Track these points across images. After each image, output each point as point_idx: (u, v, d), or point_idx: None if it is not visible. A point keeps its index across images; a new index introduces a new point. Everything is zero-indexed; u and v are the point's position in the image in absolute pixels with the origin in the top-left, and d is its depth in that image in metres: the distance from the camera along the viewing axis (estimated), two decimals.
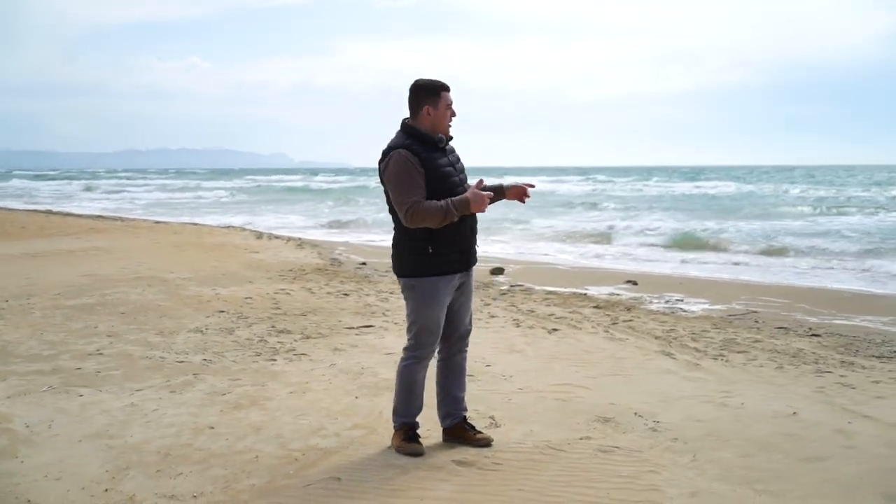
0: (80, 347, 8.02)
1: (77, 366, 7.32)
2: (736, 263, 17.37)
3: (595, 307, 10.84)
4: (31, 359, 7.56)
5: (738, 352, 8.03)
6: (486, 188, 5.02)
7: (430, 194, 4.76)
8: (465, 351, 5.41)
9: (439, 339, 5.12)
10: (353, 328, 9.18)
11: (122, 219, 29.88)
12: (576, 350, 8.07)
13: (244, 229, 24.89)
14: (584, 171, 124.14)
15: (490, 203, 4.83)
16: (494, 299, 11.52)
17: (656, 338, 8.68)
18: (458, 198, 4.75)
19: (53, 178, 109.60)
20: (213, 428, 5.57)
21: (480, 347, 8.09)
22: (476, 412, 5.90)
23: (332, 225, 29.22)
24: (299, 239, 21.49)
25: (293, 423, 5.70)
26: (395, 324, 9.43)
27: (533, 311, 10.38)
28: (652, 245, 21.01)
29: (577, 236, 23.60)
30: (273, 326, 9.17)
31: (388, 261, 14.90)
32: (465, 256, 5.02)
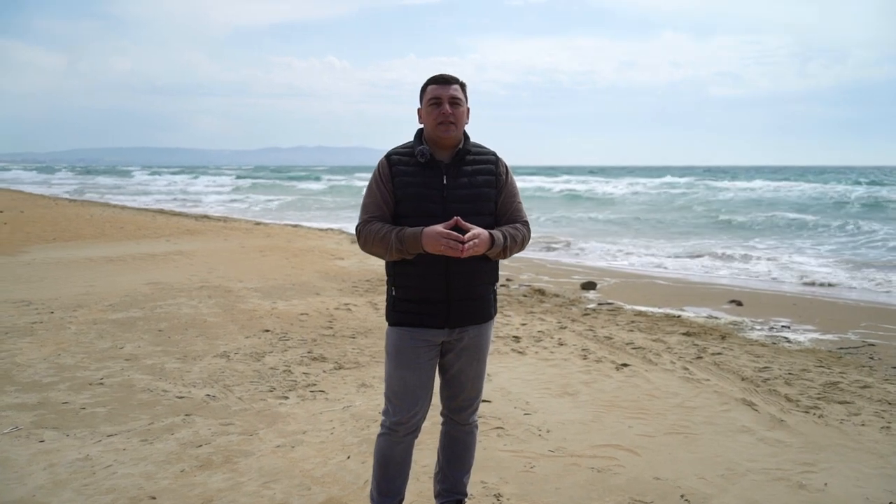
0: (86, 375, 7.26)
1: (65, 399, 6.53)
2: (873, 280, 14.88)
3: (684, 334, 9.50)
4: (26, 388, 6.83)
5: (839, 402, 6.64)
6: (469, 232, 3.60)
7: (402, 217, 3.74)
8: (470, 426, 4.21)
9: (416, 411, 3.93)
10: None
11: (225, 219, 29.67)
12: (640, 394, 6.82)
13: (342, 232, 24.19)
14: (726, 171, 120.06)
15: (484, 252, 3.66)
16: (573, 321, 10.31)
17: (743, 379, 7.34)
18: (410, 229, 3.63)
19: (204, 174, 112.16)
20: (154, 499, 4.61)
21: (530, 386, 6.98)
22: (483, 486, 4.81)
23: None
24: None
25: (255, 495, 4.70)
26: None
27: (610, 339, 9.13)
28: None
29: (702, 246, 21.90)
30: (310, 352, 8.23)
31: None
32: (438, 309, 3.79)
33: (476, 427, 4.21)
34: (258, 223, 27.71)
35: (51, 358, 7.88)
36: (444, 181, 3.77)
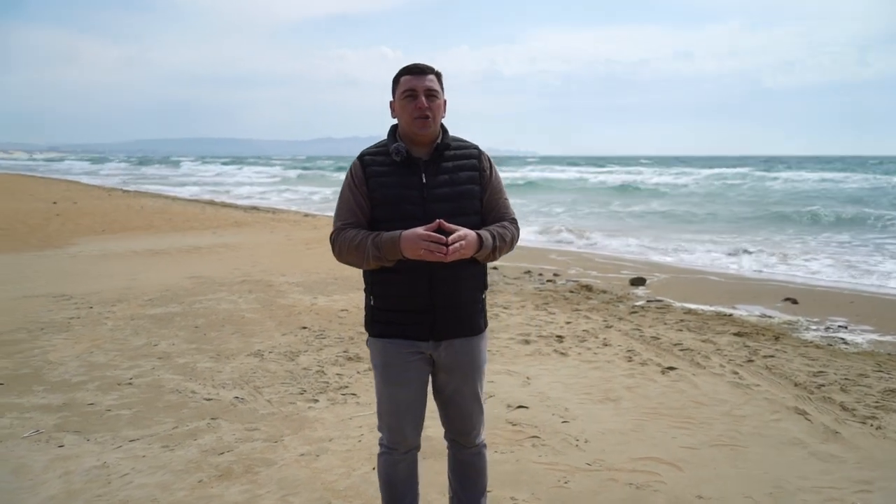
0: (116, 374, 7.12)
1: (92, 400, 6.39)
2: None
3: (735, 334, 9.11)
4: (54, 387, 6.71)
5: None
6: (453, 234, 3.26)
7: (379, 222, 3.42)
8: (478, 447, 3.83)
9: (411, 428, 3.64)
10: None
11: (273, 210, 29.63)
12: (686, 401, 6.49)
13: None
14: (783, 161, 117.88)
15: (471, 255, 3.33)
16: (620, 319, 9.97)
17: (796, 385, 6.96)
18: (387, 234, 3.30)
19: (251, 163, 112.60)
20: None
21: (570, 390, 6.69)
22: (512, 502, 4.51)
23: None
24: None
25: None
26: (489, 352, 8.08)
27: (657, 339, 8.78)
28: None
29: (756, 239, 21.32)
30: (345, 351, 8.01)
31: (524, 264, 13.46)
32: (422, 319, 3.46)
33: (484, 447, 3.86)
34: (307, 215, 27.63)
35: (83, 356, 7.76)
36: (423, 180, 3.45)
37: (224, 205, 33.57)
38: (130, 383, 6.84)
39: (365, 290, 3.61)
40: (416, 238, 3.21)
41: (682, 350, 8.24)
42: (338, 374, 7.17)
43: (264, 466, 5.07)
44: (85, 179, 61.40)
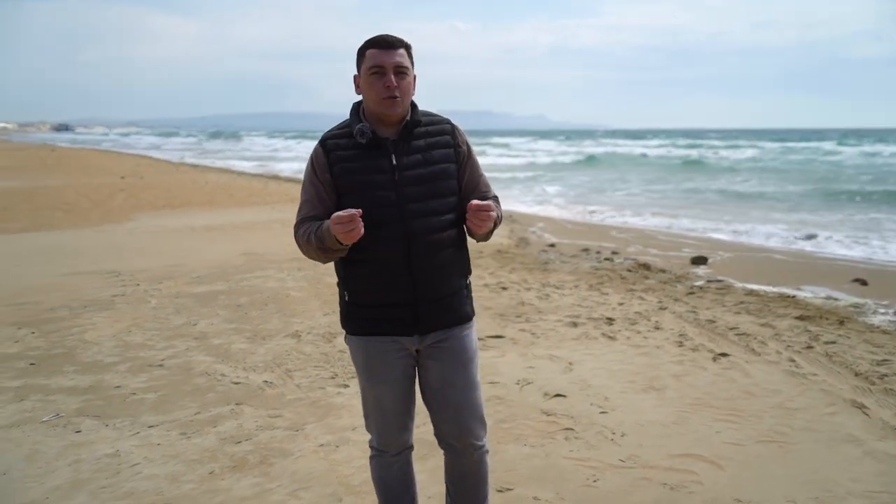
0: (149, 355, 7.00)
1: (119, 383, 6.26)
2: None
3: (797, 318, 8.65)
4: (85, 368, 6.61)
5: None
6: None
7: (348, 206, 3.03)
8: (480, 453, 3.47)
9: (400, 430, 3.42)
10: (480, 339, 7.57)
11: None
12: (736, 391, 6.12)
13: None
14: (864, 134, 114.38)
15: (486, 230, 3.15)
16: (676, 300, 9.57)
17: (856, 374, 6.52)
18: (326, 222, 3.00)
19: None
20: None
21: (614, 378, 6.36)
22: (535, 502, 4.23)
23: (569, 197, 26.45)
24: (506, 213, 19.93)
25: None
26: (533, 335, 7.80)
27: (713, 322, 8.37)
28: None
29: (827, 216, 20.55)
30: None
31: (583, 241, 13.06)
32: (404, 314, 3.18)
33: (486, 452, 3.49)
34: None
35: (121, 335, 7.67)
36: (394, 161, 3.13)
37: (287, 179, 33.57)
38: (161, 365, 6.70)
39: (338, 285, 3.32)
40: (332, 221, 2.91)
41: (737, 335, 7.83)
42: None
43: (280, 457, 4.86)
44: (155, 154, 62.04)
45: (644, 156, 57.07)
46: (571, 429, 5.33)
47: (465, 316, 3.34)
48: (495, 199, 3.37)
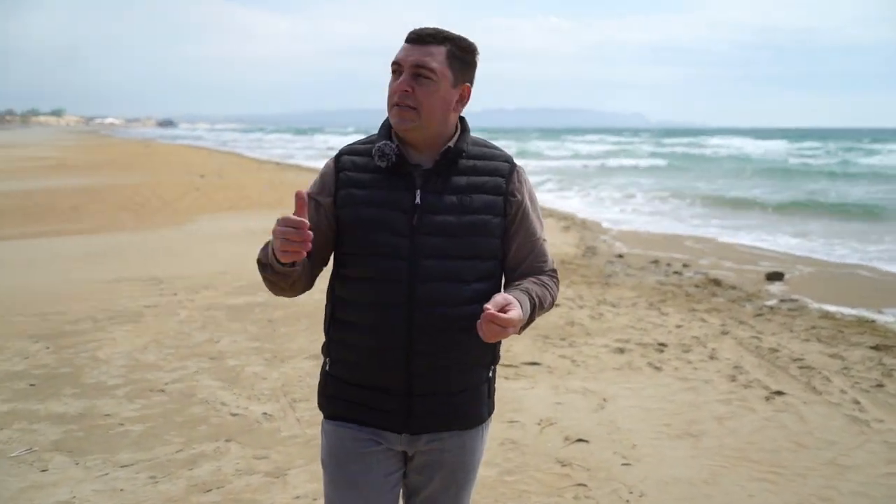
0: (154, 377, 6.60)
1: (110, 411, 5.86)
2: None
3: (873, 347, 7.82)
4: (83, 392, 6.24)
5: None
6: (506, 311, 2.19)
7: (347, 256, 2.45)
8: None
9: None
10: (512, 365, 7.02)
11: None
12: (784, 440, 5.40)
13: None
14: None
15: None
16: (741, 323, 8.81)
17: None
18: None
19: None
20: None
21: (648, 419, 5.75)
22: None
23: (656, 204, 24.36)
24: (579, 220, 19.24)
25: None
26: (573, 362, 7.18)
27: (775, 352, 7.60)
28: None
29: None
30: None
31: (655, 252, 12.35)
32: (392, 403, 2.42)
33: None
34: None
35: (135, 352, 7.29)
36: (418, 199, 2.37)
37: None
38: (162, 390, 6.29)
39: (322, 348, 2.60)
40: (277, 223, 2.14)
41: (800, 368, 7.07)
42: None
43: None
44: (245, 151, 62.67)
45: (747, 153, 55.21)
46: (584, 485, 4.71)
47: (477, 418, 2.56)
48: (553, 274, 2.55)
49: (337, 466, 2.50)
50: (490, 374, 2.55)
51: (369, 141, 2.47)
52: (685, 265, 12.87)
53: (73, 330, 8.06)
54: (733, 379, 6.73)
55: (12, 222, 16.62)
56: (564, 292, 10.26)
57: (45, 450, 5.15)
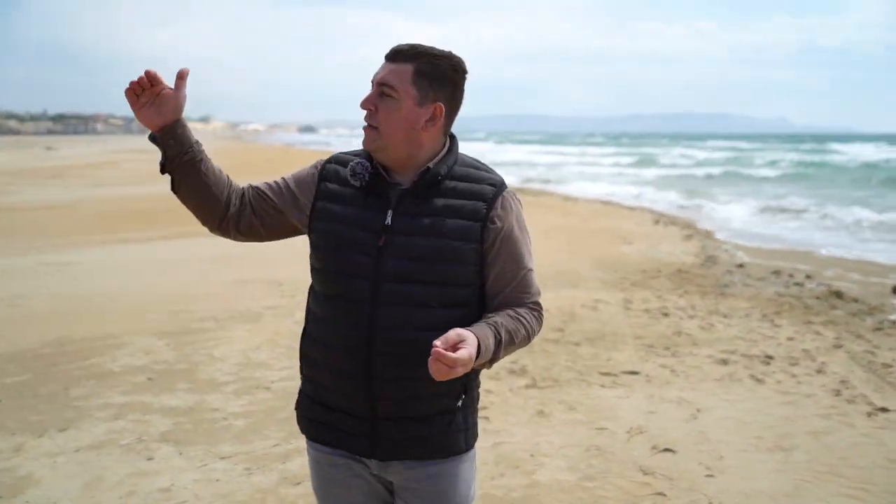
0: (262, 376, 6.94)
1: (218, 406, 6.21)
2: None
3: None
4: (196, 387, 6.61)
5: None
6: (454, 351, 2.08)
7: (316, 270, 2.43)
8: None
9: None
10: (612, 374, 7.07)
11: (538, 193, 28.93)
12: (879, 458, 5.28)
13: (653, 211, 22.79)
14: None
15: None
16: (858, 337, 8.57)
17: None
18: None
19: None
20: None
21: (740, 431, 5.74)
22: None
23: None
24: (702, 229, 18.93)
25: None
26: (672, 372, 7.17)
27: (888, 367, 7.37)
28: None
29: None
30: (514, 361, 7.35)
31: (777, 262, 12.11)
32: (358, 426, 2.37)
33: None
34: (567, 198, 26.90)
35: (249, 351, 7.65)
36: (388, 220, 2.31)
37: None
38: (269, 388, 6.60)
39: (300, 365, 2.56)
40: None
41: None
42: (487, 390, 6.54)
43: None
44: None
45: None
46: (663, 494, 4.74)
47: (451, 448, 2.41)
48: (534, 307, 2.40)
49: (319, 488, 2.53)
50: (459, 403, 2.40)
51: (358, 152, 2.43)
52: (808, 276, 12.54)
53: (196, 328, 8.50)
54: (837, 394, 6.60)
55: (154, 224, 17.51)
56: (677, 301, 10.20)
57: (153, 440, 5.50)
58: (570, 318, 9.19)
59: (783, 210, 23.94)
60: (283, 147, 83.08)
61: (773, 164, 53.36)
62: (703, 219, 21.36)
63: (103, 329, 8.37)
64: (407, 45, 2.30)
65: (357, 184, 2.34)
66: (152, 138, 2.32)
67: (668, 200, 27.32)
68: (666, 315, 9.46)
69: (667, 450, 5.39)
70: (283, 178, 2.49)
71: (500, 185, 2.36)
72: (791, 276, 12.55)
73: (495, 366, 6.60)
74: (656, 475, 4.99)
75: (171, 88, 2.28)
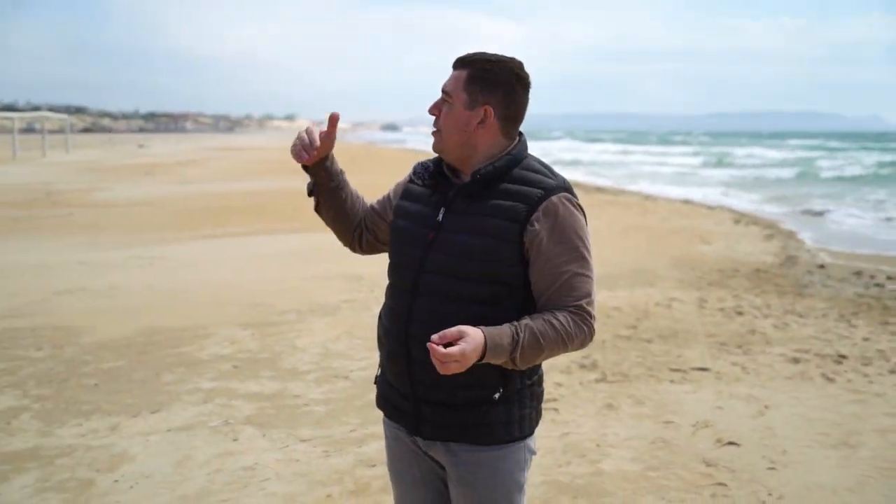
0: (341, 365, 7.24)
1: (300, 392, 6.52)
2: None
3: None
4: (278, 375, 6.94)
5: None
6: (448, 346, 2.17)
7: (390, 263, 2.64)
8: None
9: None
10: (682, 370, 7.19)
11: (617, 192, 28.80)
12: None
13: (733, 211, 22.59)
14: None
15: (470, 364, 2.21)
16: None
17: None
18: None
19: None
20: None
21: (806, 428, 5.83)
22: None
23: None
24: (785, 229, 18.72)
25: None
26: (743, 369, 7.25)
27: None
28: None
29: None
30: (586, 356, 7.51)
31: (859, 264, 12.05)
32: (404, 403, 2.56)
33: None
34: (646, 197, 26.73)
35: (328, 342, 7.96)
36: (440, 217, 2.48)
37: (619, 191, 32.57)
38: (347, 377, 6.88)
39: None
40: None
41: None
42: (557, 384, 6.73)
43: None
44: None
45: None
46: (724, 484, 4.88)
47: (488, 438, 2.49)
48: (577, 310, 2.38)
49: (388, 461, 2.76)
50: (497, 396, 2.45)
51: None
52: (889, 277, 12.38)
53: (278, 320, 8.85)
54: None
55: (237, 221, 18.07)
56: (753, 300, 10.22)
57: (238, 423, 5.83)
58: (644, 315, 9.30)
59: (872, 209, 23.52)
60: (365, 145, 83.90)
61: (861, 163, 52.15)
62: (785, 219, 21.11)
63: (191, 320, 8.78)
64: (469, 53, 2.48)
65: (419, 183, 2.57)
66: (305, 168, 2.65)
67: (749, 199, 27.06)
68: (740, 314, 9.50)
69: (731, 443, 5.50)
70: (390, 191, 2.77)
71: (550, 190, 2.41)
72: (872, 277, 12.42)
73: (566, 360, 6.85)
74: (719, 467, 5.12)
75: (323, 130, 2.59)
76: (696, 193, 29.39)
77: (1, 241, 15.15)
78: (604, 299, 10.09)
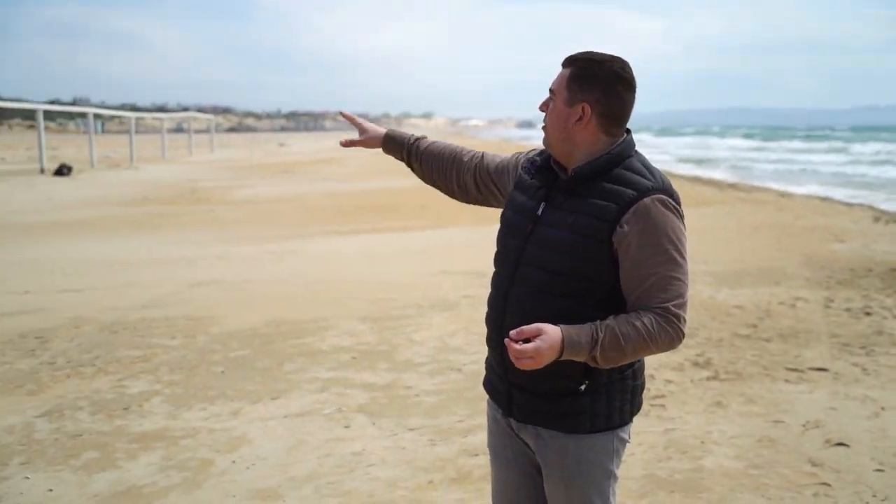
0: (454, 359, 7.40)
1: (412, 384, 6.73)
2: None
3: None
4: (394, 367, 7.18)
5: None
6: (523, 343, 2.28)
7: (497, 243, 2.75)
8: None
9: None
10: (798, 370, 7.09)
11: (747, 189, 27.98)
12: None
13: (874, 209, 21.75)
14: None
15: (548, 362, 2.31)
16: None
17: None
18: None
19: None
20: None
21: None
22: None
23: None
24: None
25: None
26: (864, 370, 7.09)
27: None
28: None
29: None
30: (700, 354, 7.49)
31: None
32: (500, 384, 2.72)
33: None
34: (782, 194, 25.96)
35: (446, 336, 8.16)
36: (540, 211, 2.56)
37: (733, 185, 32.01)
38: (459, 370, 7.06)
39: None
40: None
41: None
42: (667, 380, 6.75)
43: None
44: None
45: None
46: (828, 484, 4.83)
47: (575, 425, 2.55)
48: (663, 313, 2.38)
49: (488, 438, 2.88)
50: (583, 388, 2.50)
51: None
52: None
53: (398, 315, 9.11)
54: None
55: (369, 217, 18.57)
56: (884, 301, 9.92)
57: (351, 410, 6.09)
58: (766, 314, 9.16)
59: None
60: (500, 141, 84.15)
61: None
62: None
63: (315, 312, 9.14)
64: (579, 52, 2.56)
65: (527, 177, 2.68)
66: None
67: (892, 198, 25.98)
68: (868, 314, 9.25)
69: (840, 444, 5.43)
70: (513, 159, 2.92)
71: (644, 191, 2.41)
72: None
73: (679, 357, 6.88)
74: (824, 467, 5.06)
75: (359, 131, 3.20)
76: (835, 192, 28.40)
77: (149, 235, 16.01)
78: (725, 298, 9.99)
